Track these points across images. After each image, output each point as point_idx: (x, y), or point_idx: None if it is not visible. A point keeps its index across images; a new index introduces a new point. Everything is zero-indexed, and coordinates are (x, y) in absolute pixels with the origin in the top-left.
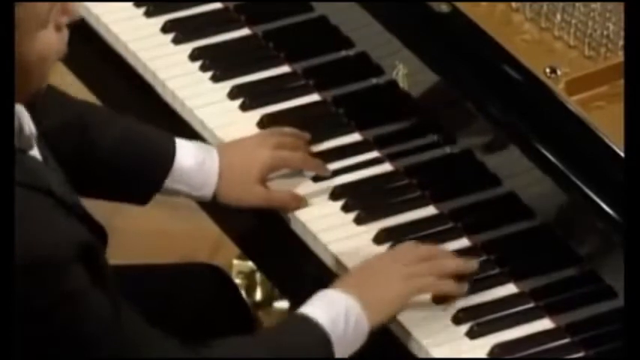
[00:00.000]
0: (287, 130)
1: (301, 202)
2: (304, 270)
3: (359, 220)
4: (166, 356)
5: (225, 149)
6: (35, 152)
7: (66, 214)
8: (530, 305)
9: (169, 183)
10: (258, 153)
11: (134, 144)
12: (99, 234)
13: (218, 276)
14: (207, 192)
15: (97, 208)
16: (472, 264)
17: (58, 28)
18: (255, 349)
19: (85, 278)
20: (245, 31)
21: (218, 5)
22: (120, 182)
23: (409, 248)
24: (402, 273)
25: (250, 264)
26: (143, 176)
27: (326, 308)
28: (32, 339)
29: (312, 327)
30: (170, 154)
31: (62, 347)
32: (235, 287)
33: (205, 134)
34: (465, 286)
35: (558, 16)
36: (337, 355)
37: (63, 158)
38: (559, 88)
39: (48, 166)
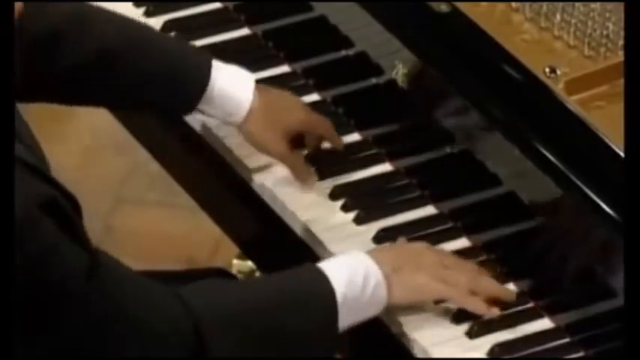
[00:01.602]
0: None
1: (311, 178)
2: None
3: (359, 220)
4: (153, 304)
5: (265, 90)
6: None
7: (28, 175)
8: (530, 305)
9: (200, 106)
10: (296, 109)
11: (167, 72)
12: (70, 202)
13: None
14: (235, 120)
15: (96, 207)
16: (511, 294)
17: None
18: (250, 294)
19: (55, 232)
20: (245, 31)
21: (218, 5)
22: (152, 107)
23: (455, 257)
24: (438, 272)
25: (250, 264)
26: (176, 101)
27: (345, 265)
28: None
29: (319, 278)
30: (203, 80)
31: (43, 306)
32: None
33: (205, 134)
34: (496, 311)
35: (558, 16)
36: (349, 317)
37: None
38: (559, 88)
39: (19, 143)
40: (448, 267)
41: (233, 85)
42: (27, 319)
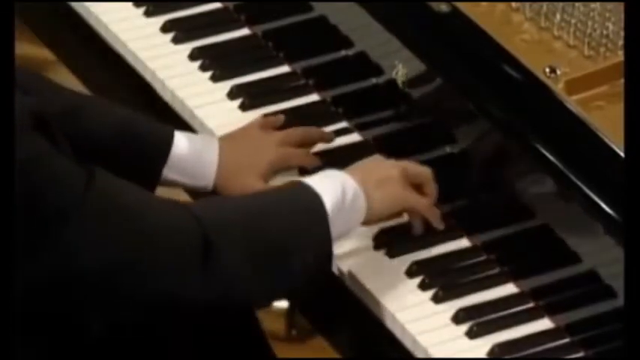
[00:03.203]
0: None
1: None
2: None
3: None
4: (161, 213)
5: (228, 141)
6: None
7: (18, 90)
8: (530, 305)
9: (167, 172)
10: (264, 148)
11: (131, 133)
12: None
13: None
14: (207, 183)
15: None
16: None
17: None
18: (247, 202)
19: (45, 145)
20: (245, 31)
21: (218, 5)
22: (117, 173)
23: (413, 165)
24: (404, 181)
25: None
26: (141, 165)
27: (323, 179)
28: None
29: (306, 190)
30: (167, 141)
31: (41, 219)
32: None
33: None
34: (442, 224)
35: (558, 16)
36: (336, 226)
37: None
38: (559, 88)
39: None
40: (410, 175)
41: (197, 150)
42: (26, 234)
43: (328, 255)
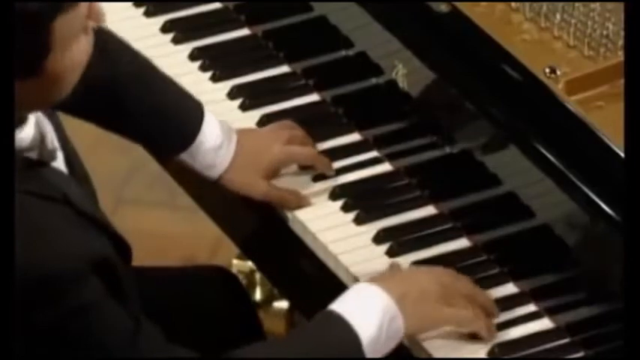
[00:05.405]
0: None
1: (303, 200)
2: (304, 270)
3: (359, 220)
4: None
5: (240, 136)
6: (59, 163)
7: (83, 225)
8: (530, 305)
9: (183, 155)
10: (270, 146)
11: (164, 112)
12: (121, 247)
13: (225, 277)
14: (215, 173)
15: None
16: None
17: (86, 32)
18: (280, 352)
19: (100, 291)
20: (245, 31)
21: (218, 5)
22: (142, 139)
23: (455, 276)
24: (444, 296)
25: (250, 264)
26: (165, 143)
27: (361, 306)
28: (43, 353)
29: (343, 327)
30: (194, 129)
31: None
32: (242, 288)
33: None
34: (496, 335)
35: (558, 16)
36: (369, 356)
37: (91, 107)
38: (558, 88)
39: (73, 178)
40: (447, 287)
41: (217, 145)
42: None
43: None
